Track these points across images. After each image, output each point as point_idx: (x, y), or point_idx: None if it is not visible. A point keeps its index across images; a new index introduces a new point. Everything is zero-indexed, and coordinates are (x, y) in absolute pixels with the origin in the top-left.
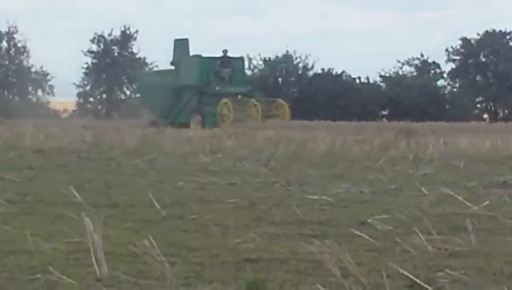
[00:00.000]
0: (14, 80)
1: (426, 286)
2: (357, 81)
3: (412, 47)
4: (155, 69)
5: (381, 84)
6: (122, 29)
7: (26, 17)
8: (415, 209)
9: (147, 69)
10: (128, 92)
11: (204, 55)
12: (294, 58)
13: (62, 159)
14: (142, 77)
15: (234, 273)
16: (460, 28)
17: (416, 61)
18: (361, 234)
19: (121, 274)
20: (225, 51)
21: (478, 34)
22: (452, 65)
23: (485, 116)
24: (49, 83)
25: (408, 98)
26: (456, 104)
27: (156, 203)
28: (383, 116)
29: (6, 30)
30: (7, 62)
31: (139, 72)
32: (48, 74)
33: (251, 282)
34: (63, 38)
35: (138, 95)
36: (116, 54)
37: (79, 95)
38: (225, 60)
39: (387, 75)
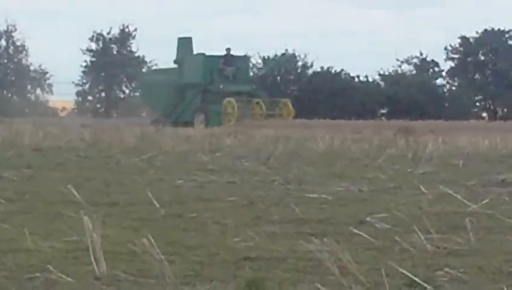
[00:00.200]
0: (13, 78)
1: (425, 284)
2: (356, 79)
3: (411, 45)
4: (154, 67)
5: (380, 82)
6: (121, 27)
7: (25, 16)
8: (414, 208)
9: (146, 68)
10: (127, 91)
11: (207, 53)
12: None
13: (61, 158)
14: (145, 76)
15: (233, 272)
16: (459, 26)
17: (415, 60)
18: (360, 233)
19: (120, 273)
20: (228, 49)
21: (477, 33)
22: (451, 63)
23: (484, 114)
24: (48, 81)
25: (407, 96)
26: (455, 102)
27: (155, 202)
28: (382, 114)
29: (5, 29)
30: (6, 61)
31: (141, 71)
32: (46, 73)
33: (250, 281)
34: (62, 36)
35: (140, 94)
36: (115, 53)
37: (78, 93)
38: (229, 58)
39: (386, 73)
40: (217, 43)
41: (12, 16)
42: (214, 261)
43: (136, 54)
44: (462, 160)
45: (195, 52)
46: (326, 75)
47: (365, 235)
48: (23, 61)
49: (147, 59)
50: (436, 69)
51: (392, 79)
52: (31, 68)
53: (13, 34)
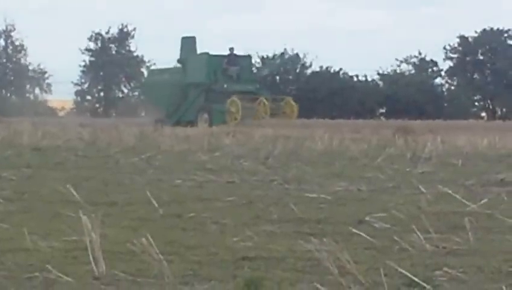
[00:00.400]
0: (12, 78)
1: (424, 284)
2: (355, 79)
3: (410, 45)
4: (154, 67)
5: (379, 82)
6: (120, 27)
7: (24, 15)
8: (412, 208)
9: (145, 67)
10: (125, 90)
11: (210, 53)
12: (288, 56)
13: (60, 157)
14: (148, 75)
15: (232, 271)
16: (458, 26)
17: (414, 59)
18: (359, 232)
19: (119, 272)
20: (232, 49)
21: (476, 32)
22: (450, 63)
23: (483, 114)
24: (46, 81)
25: (406, 96)
26: (454, 102)
27: (154, 202)
28: (381, 114)
29: (4, 28)
30: (5, 60)
31: (140, 71)
32: (45, 72)
33: (249, 280)
34: (61, 36)
35: (142, 93)
36: (113, 52)
37: (76, 93)
38: (232, 57)
39: (385, 73)
40: (215, 43)
41: (11, 15)
42: (213, 261)
43: (135, 54)
44: (461, 160)
45: (202, 51)
46: (325, 75)
47: (364, 235)
48: (22, 60)
49: (146, 59)
50: (435, 68)
51: (391, 79)
52: (30, 68)
53: (12, 33)
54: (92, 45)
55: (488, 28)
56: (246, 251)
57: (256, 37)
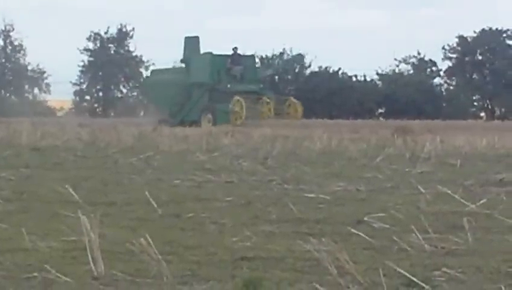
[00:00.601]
0: (11, 78)
1: (423, 284)
2: (354, 79)
3: (409, 45)
4: (153, 67)
5: (378, 82)
6: (119, 27)
7: (23, 15)
8: (411, 208)
9: (144, 67)
10: (124, 90)
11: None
12: (288, 56)
13: (58, 157)
14: (150, 75)
15: (231, 271)
16: (457, 26)
17: (413, 59)
18: (358, 233)
19: (118, 272)
20: (235, 49)
21: (475, 32)
22: (449, 63)
23: (482, 114)
24: (45, 81)
25: (405, 96)
26: (453, 102)
27: (152, 202)
28: (380, 114)
29: (3, 28)
30: (3, 60)
31: (139, 70)
32: (44, 72)
33: (248, 280)
34: (60, 36)
35: (145, 94)
36: (112, 52)
37: (75, 93)
38: (236, 57)
39: (384, 73)
40: (215, 43)
41: (10, 15)
42: (212, 261)
43: (134, 54)
44: (460, 160)
45: (205, 51)
46: (324, 75)
47: (363, 235)
48: (21, 60)
49: (144, 59)
50: (434, 68)
51: (390, 78)
52: (29, 68)
53: (11, 33)
54: (90, 45)
55: (486, 28)
56: (245, 251)
57: (255, 37)
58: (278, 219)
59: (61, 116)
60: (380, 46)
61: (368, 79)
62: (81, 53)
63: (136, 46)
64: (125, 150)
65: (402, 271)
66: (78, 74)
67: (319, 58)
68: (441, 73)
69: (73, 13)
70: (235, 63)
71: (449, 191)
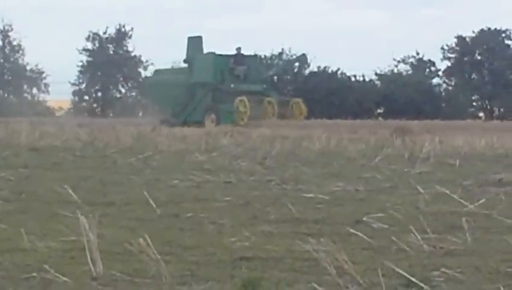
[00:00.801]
0: (9, 78)
1: (422, 284)
2: (353, 79)
3: (408, 45)
4: (150, 67)
5: (377, 82)
6: (117, 27)
7: (21, 15)
8: (410, 208)
9: (142, 67)
10: (123, 90)
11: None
12: (289, 56)
13: (57, 158)
14: (153, 75)
15: (230, 271)
16: (456, 26)
17: (411, 59)
18: (357, 233)
19: (117, 273)
20: (239, 49)
21: (473, 32)
22: (447, 63)
23: (481, 114)
24: (44, 81)
25: (403, 96)
26: (452, 102)
27: (151, 202)
28: (379, 114)
29: (1, 28)
30: (2, 60)
31: (137, 71)
32: (43, 72)
33: (246, 280)
34: (58, 36)
35: (146, 94)
36: (111, 52)
37: (74, 93)
38: (239, 57)
39: (383, 73)
40: (213, 42)
41: (8, 15)
42: (210, 261)
43: (133, 54)
44: (459, 160)
45: (209, 51)
46: (322, 75)
47: (362, 235)
48: (20, 60)
49: (143, 59)
50: (433, 68)
51: (389, 78)
52: (28, 68)
53: (9, 33)
54: (89, 45)
55: (485, 28)
56: (244, 251)
57: (254, 37)
58: (276, 219)
59: (60, 116)
60: (379, 46)
61: (367, 79)
62: (80, 53)
63: (134, 46)
64: (124, 150)
65: (401, 271)
66: (77, 74)
67: (318, 58)
68: (440, 73)
69: (72, 13)
70: (238, 63)
71: (448, 191)
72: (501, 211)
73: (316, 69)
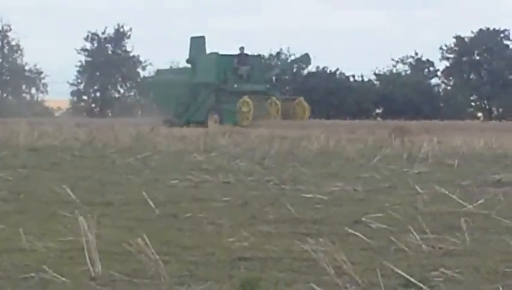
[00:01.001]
0: (8, 78)
1: (421, 284)
2: (351, 79)
3: (406, 45)
4: (149, 67)
5: (376, 82)
6: (116, 27)
7: (20, 15)
8: (409, 208)
9: (141, 67)
10: (122, 90)
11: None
12: (287, 56)
13: (56, 158)
14: (155, 75)
15: (228, 271)
16: (454, 26)
17: (410, 59)
18: (356, 233)
19: (115, 273)
20: (242, 49)
21: (472, 32)
22: (446, 63)
23: (479, 114)
24: (42, 81)
25: (402, 96)
26: (450, 102)
27: (150, 202)
28: (377, 114)
29: (0, 28)
30: (1, 60)
31: (136, 71)
32: (41, 72)
33: (245, 281)
34: (57, 36)
35: (148, 94)
36: (110, 52)
37: (73, 93)
38: (242, 57)
39: (382, 73)
40: (212, 42)
41: (7, 15)
42: (209, 261)
43: (131, 54)
44: (458, 160)
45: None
46: (321, 75)
47: (360, 235)
48: (18, 61)
49: (142, 59)
50: (431, 68)
51: (387, 79)
52: (26, 68)
53: (8, 33)
54: (88, 45)
55: (484, 28)
56: (242, 251)
57: (253, 37)
58: (275, 219)
59: (59, 116)
60: (378, 47)
61: (365, 79)
62: (79, 53)
63: (133, 46)
64: (122, 150)
65: (400, 271)
66: (76, 74)
67: (317, 58)
68: (439, 73)
69: (71, 13)
70: (241, 63)
71: (446, 192)
72: (500, 211)
73: (314, 69)
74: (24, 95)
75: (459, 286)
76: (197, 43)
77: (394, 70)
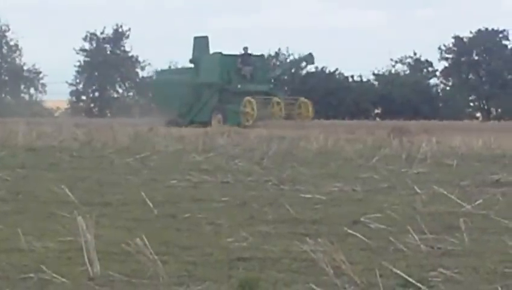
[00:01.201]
0: (7, 78)
1: (419, 285)
2: (350, 79)
3: (405, 45)
4: (147, 67)
5: (374, 82)
6: (115, 27)
7: (19, 15)
8: (408, 208)
9: (139, 67)
10: (120, 90)
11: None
12: (286, 56)
13: (54, 158)
14: (157, 76)
15: (227, 272)
16: (453, 26)
17: (409, 60)
18: (355, 233)
19: (114, 273)
20: (246, 49)
21: (471, 32)
22: (445, 63)
23: (478, 114)
24: (41, 81)
25: (401, 96)
26: (449, 102)
27: (148, 202)
28: (376, 114)
29: None
30: None
31: (135, 71)
32: (40, 72)
33: (244, 281)
34: (56, 36)
35: (150, 94)
36: (108, 52)
37: (71, 93)
38: (246, 57)
39: (380, 73)
40: (211, 41)
41: (5, 15)
42: (208, 262)
43: (130, 54)
44: (456, 160)
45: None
46: (320, 75)
47: (359, 236)
48: (17, 61)
49: (140, 59)
50: (430, 69)
51: (386, 79)
52: (25, 68)
53: (7, 33)
54: (86, 45)
55: (483, 29)
56: (241, 251)
57: (252, 37)
58: (274, 220)
59: (57, 117)
60: (376, 47)
61: (364, 79)
62: (77, 53)
63: (132, 46)
64: (121, 150)
65: (398, 272)
66: (74, 74)
67: (316, 58)
68: (437, 73)
69: (70, 13)
70: (245, 63)
71: (445, 192)
72: (498, 212)
73: (313, 70)
74: (23, 95)
75: (458, 286)
76: (200, 43)
77: (393, 71)
